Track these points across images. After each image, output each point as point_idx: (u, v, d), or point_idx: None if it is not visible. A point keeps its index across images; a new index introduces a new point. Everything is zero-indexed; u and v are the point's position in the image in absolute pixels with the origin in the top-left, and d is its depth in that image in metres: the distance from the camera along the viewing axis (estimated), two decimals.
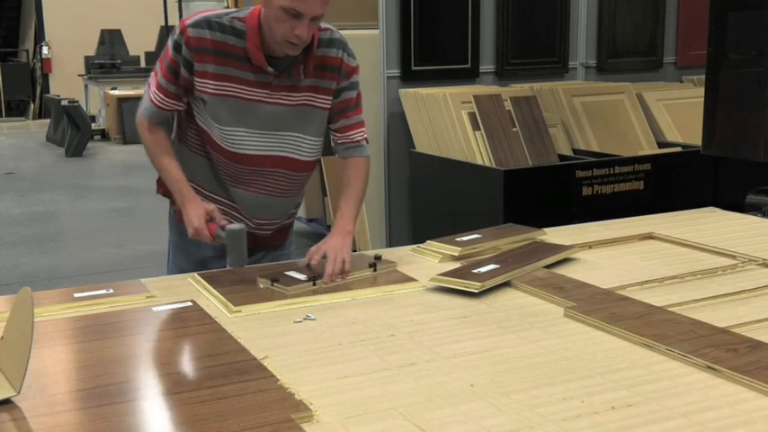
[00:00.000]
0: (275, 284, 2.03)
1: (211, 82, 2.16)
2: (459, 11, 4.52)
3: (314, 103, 2.25)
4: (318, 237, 5.37)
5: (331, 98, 2.26)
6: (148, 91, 2.24)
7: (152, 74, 2.25)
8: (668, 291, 2.02)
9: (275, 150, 2.25)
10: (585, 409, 1.37)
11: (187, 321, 1.82)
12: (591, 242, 2.47)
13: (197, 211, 2.15)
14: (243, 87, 2.17)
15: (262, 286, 2.05)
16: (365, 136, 2.35)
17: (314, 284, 2.04)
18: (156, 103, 2.22)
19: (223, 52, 2.14)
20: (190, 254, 2.39)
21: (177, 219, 2.37)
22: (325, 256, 2.12)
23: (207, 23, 2.14)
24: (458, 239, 2.41)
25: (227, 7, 9.22)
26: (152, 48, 13.89)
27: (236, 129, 2.20)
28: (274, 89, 2.18)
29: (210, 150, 2.26)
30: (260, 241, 2.38)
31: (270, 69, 2.15)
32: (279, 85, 2.18)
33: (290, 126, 2.24)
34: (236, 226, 2.12)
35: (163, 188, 2.44)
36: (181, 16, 10.07)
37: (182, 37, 2.15)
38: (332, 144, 2.36)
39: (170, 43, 2.18)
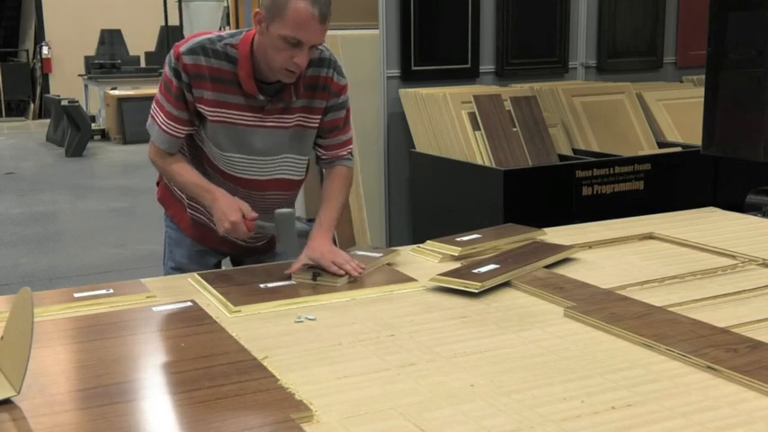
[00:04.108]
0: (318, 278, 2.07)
1: (208, 108, 2.15)
2: (459, 11, 4.51)
3: (306, 124, 2.25)
4: None
5: (320, 117, 2.27)
6: (155, 123, 2.20)
7: (154, 106, 2.21)
8: (668, 291, 2.02)
9: (274, 174, 2.27)
10: (585, 409, 1.37)
11: (187, 321, 1.82)
12: (591, 242, 2.47)
13: (231, 206, 2.13)
14: (237, 113, 2.16)
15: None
16: (350, 150, 2.36)
17: (314, 279, 2.07)
18: (172, 132, 2.19)
19: (218, 78, 2.13)
20: (186, 247, 2.41)
21: (179, 226, 2.40)
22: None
23: (202, 50, 2.12)
24: (458, 239, 2.41)
25: (227, 7, 9.21)
26: (152, 48, 13.89)
27: (237, 155, 2.21)
28: (267, 113, 2.18)
29: (208, 169, 2.27)
30: (252, 250, 2.40)
31: (261, 97, 2.15)
32: (271, 109, 2.18)
33: (285, 148, 2.25)
34: (284, 210, 2.16)
35: (161, 194, 2.45)
36: (181, 16, 10.05)
37: (178, 63, 2.12)
38: (315, 157, 2.37)
39: (169, 72, 2.15)
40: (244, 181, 2.25)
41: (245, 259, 2.44)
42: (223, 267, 2.50)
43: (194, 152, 2.28)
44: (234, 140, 2.19)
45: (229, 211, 2.12)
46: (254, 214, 2.15)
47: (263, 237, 2.39)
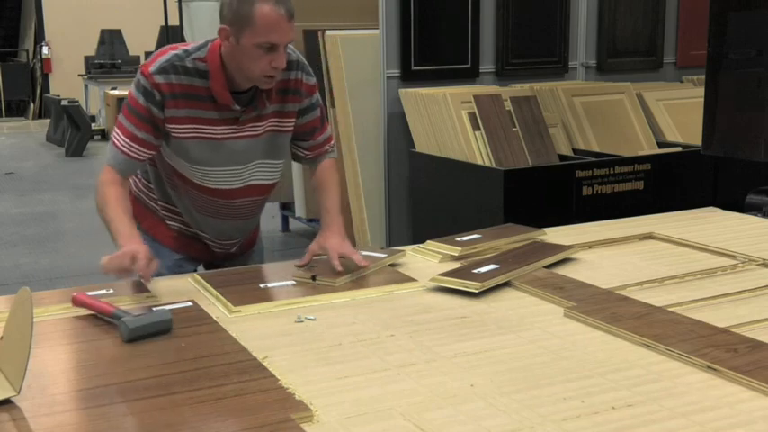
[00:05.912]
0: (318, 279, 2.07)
1: (180, 126, 2.13)
2: (459, 11, 4.51)
3: (279, 128, 2.25)
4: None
5: (294, 120, 2.27)
6: (114, 145, 2.13)
7: (117, 126, 2.15)
8: (668, 291, 2.02)
9: (247, 180, 2.26)
10: (585, 409, 1.37)
11: (187, 321, 1.82)
12: (591, 242, 2.47)
13: (125, 258, 2.00)
14: (211, 128, 2.15)
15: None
16: (332, 144, 2.40)
17: (313, 279, 2.07)
18: (132, 154, 2.12)
19: (190, 95, 2.11)
20: (164, 257, 2.35)
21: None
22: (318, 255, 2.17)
23: (172, 68, 2.10)
24: (458, 239, 2.41)
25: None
26: (152, 48, 13.85)
27: (209, 168, 2.20)
28: (241, 123, 2.17)
29: (177, 181, 2.25)
30: (229, 256, 2.40)
31: (236, 107, 2.14)
32: (245, 119, 2.17)
33: (258, 155, 2.25)
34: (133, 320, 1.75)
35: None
36: (181, 16, 10.02)
37: (148, 82, 2.09)
38: (297, 157, 2.38)
39: (135, 92, 2.11)
40: (217, 191, 2.24)
41: (224, 263, 2.43)
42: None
43: (162, 166, 2.26)
44: (207, 154, 2.18)
45: (125, 257, 1.99)
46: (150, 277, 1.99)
47: (237, 242, 2.41)
